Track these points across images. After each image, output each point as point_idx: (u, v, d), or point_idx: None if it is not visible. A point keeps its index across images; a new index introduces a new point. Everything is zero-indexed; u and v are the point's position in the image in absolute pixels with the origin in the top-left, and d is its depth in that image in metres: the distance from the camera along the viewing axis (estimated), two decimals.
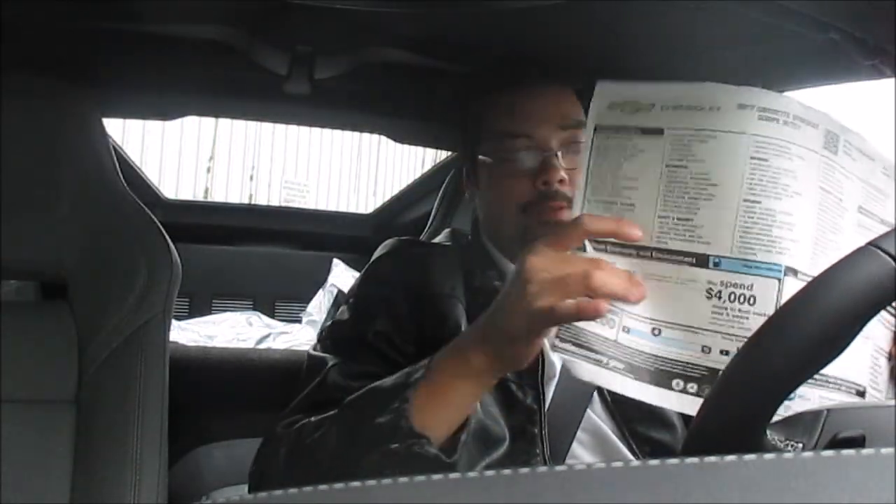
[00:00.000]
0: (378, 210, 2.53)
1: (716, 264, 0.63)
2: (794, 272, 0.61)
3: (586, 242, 0.67)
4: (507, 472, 0.28)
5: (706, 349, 0.63)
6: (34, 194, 1.02)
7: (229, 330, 2.21)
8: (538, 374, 0.88)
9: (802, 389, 0.47)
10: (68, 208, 1.03)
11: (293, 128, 4.56)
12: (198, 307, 2.34)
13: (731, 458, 0.28)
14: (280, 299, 2.45)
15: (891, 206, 0.66)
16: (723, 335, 0.63)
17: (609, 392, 0.88)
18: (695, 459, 0.28)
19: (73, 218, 1.03)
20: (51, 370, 1.00)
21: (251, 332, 2.22)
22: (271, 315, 2.38)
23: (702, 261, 0.63)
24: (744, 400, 0.46)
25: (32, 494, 0.95)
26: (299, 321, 2.36)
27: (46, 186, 1.03)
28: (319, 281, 2.32)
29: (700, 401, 0.62)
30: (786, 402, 0.49)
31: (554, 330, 0.67)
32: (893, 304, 0.64)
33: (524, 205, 0.90)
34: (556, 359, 0.88)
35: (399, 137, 1.91)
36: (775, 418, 0.48)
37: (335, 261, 2.34)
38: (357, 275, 1.02)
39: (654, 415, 0.89)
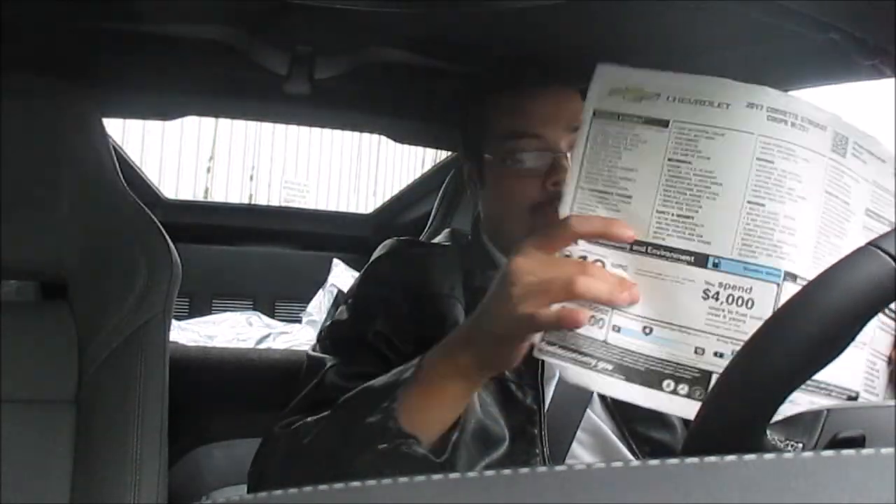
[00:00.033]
0: (378, 210, 2.53)
1: (715, 265, 0.62)
2: (794, 277, 0.61)
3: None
4: (507, 472, 0.28)
5: (699, 350, 0.62)
6: (34, 194, 1.02)
7: (229, 330, 2.21)
8: (538, 374, 0.88)
9: (793, 394, 0.46)
10: (68, 208, 1.03)
11: (293, 128, 4.56)
12: (198, 307, 2.34)
13: (731, 458, 0.28)
14: (280, 299, 2.45)
15: None
16: (718, 337, 0.61)
17: None
18: (695, 459, 0.28)
19: (73, 218, 1.03)
20: (51, 370, 1.00)
21: (251, 332, 2.22)
22: (271, 315, 2.38)
23: (700, 260, 0.62)
24: (744, 400, 0.46)
25: (32, 494, 0.95)
26: (299, 321, 2.36)
27: (46, 186, 1.03)
28: (319, 281, 2.32)
29: (690, 402, 0.62)
30: None
31: (541, 332, 0.66)
32: (894, 308, 0.64)
33: (533, 205, 0.90)
34: None
35: (399, 137, 1.91)
36: (775, 418, 0.48)
37: (335, 261, 2.34)
38: (357, 275, 1.01)
39: (654, 415, 0.89)
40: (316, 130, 4.76)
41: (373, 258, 1.00)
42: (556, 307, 0.62)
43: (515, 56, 1.04)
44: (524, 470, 0.28)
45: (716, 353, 0.62)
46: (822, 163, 0.62)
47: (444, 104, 1.43)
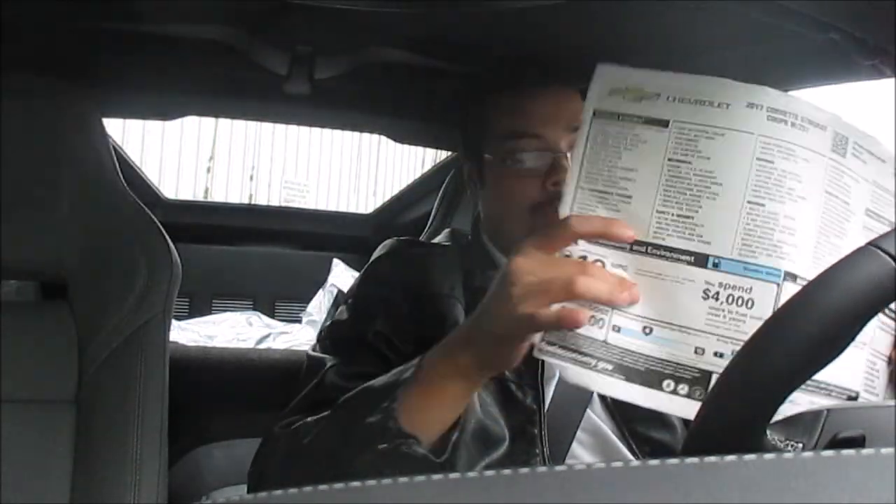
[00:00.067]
0: (378, 210, 2.53)
1: (715, 265, 0.62)
2: (794, 277, 0.61)
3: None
4: (507, 472, 0.28)
5: (699, 350, 0.62)
6: (34, 194, 1.02)
7: (229, 330, 2.21)
8: (538, 374, 0.88)
9: (793, 394, 0.46)
10: (68, 208, 1.03)
11: (293, 128, 4.56)
12: (198, 307, 2.34)
13: (731, 458, 0.28)
14: (280, 299, 2.45)
15: None
16: (718, 337, 0.61)
17: None
18: (695, 459, 0.28)
19: (73, 218, 1.03)
20: (51, 370, 1.00)
21: (251, 332, 2.22)
22: (271, 315, 2.38)
23: (700, 260, 0.62)
24: (744, 400, 0.46)
25: (32, 494, 0.95)
26: (299, 321, 2.36)
27: (46, 186, 1.03)
28: (319, 281, 2.32)
29: (690, 403, 0.61)
30: None
31: (541, 333, 0.65)
32: (894, 307, 0.64)
33: (533, 205, 0.90)
34: None
35: (399, 137, 1.91)
36: (775, 418, 0.48)
37: (335, 261, 2.34)
38: (357, 275, 1.01)
39: (654, 415, 0.89)
40: (316, 130, 4.76)
41: (373, 258, 1.00)
42: (556, 307, 0.62)
43: (515, 56, 1.04)
44: (524, 470, 0.28)
45: (716, 353, 0.62)
46: (822, 163, 0.62)
47: (444, 104, 1.43)
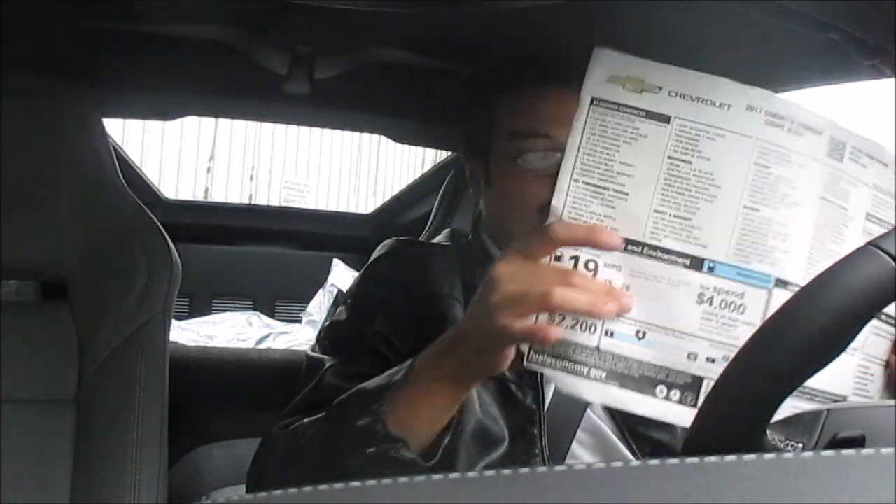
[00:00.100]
0: (378, 210, 2.53)
1: (710, 269, 0.61)
2: (785, 284, 0.60)
3: None
4: (507, 472, 0.28)
5: (692, 356, 0.61)
6: (34, 194, 1.02)
7: (229, 330, 2.21)
8: (538, 374, 0.88)
9: None
10: (68, 208, 1.03)
11: (293, 128, 4.56)
12: (198, 307, 2.34)
13: (731, 458, 0.28)
14: (280, 299, 2.45)
15: None
16: (710, 342, 0.61)
17: None
18: (695, 459, 0.28)
19: (73, 218, 1.03)
20: (51, 370, 1.00)
21: (251, 332, 2.22)
22: (271, 315, 2.38)
23: (696, 264, 0.61)
24: (743, 400, 0.46)
25: (32, 494, 0.95)
26: (299, 321, 2.36)
27: (46, 186, 1.03)
28: (319, 281, 2.32)
29: (682, 408, 0.61)
30: None
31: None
32: (892, 314, 0.63)
33: (542, 206, 0.89)
34: None
35: (399, 137, 1.91)
36: (775, 418, 0.48)
37: (335, 261, 2.34)
38: (357, 275, 1.01)
39: None
40: (316, 130, 4.76)
41: (372, 258, 0.99)
42: (528, 321, 0.61)
43: (514, 56, 1.04)
44: (524, 470, 0.28)
45: (708, 359, 0.61)
46: (818, 168, 0.61)
47: (444, 104, 1.43)
